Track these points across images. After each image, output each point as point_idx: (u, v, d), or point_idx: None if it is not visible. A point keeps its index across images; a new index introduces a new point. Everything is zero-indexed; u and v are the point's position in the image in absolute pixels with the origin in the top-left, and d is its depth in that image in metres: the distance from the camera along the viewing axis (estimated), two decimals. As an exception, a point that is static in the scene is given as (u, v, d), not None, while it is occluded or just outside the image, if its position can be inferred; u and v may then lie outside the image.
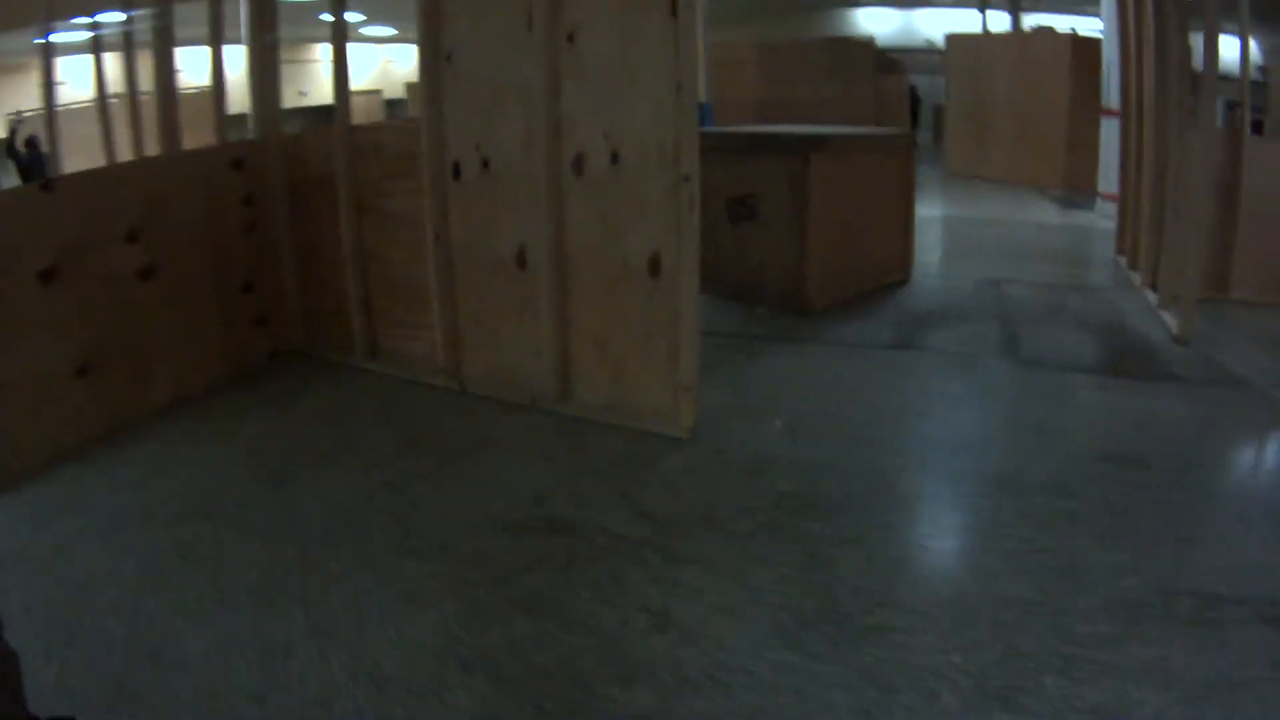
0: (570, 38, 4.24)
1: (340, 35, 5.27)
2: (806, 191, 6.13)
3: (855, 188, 6.65)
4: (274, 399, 5.01)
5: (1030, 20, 20.77)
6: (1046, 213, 11.89)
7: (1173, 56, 6.41)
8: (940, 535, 3.50)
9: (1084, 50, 13.72)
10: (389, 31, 24.64)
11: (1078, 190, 13.24)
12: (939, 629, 2.75)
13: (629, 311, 4.29)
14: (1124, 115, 8.59)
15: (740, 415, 4.56)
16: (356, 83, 26.24)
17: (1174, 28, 6.37)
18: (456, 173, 4.75)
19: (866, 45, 18.51)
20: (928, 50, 22.48)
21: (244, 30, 5.50)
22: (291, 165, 5.60)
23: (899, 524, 3.54)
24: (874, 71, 17.66)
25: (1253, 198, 6.78)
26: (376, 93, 25.32)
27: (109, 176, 4.86)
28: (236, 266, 5.44)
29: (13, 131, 11.57)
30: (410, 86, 25.18)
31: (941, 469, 4.02)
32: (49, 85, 5.04)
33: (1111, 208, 11.27)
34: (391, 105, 25.77)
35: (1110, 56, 11.55)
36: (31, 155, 11.77)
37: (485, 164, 4.63)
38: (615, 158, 4.19)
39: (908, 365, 5.39)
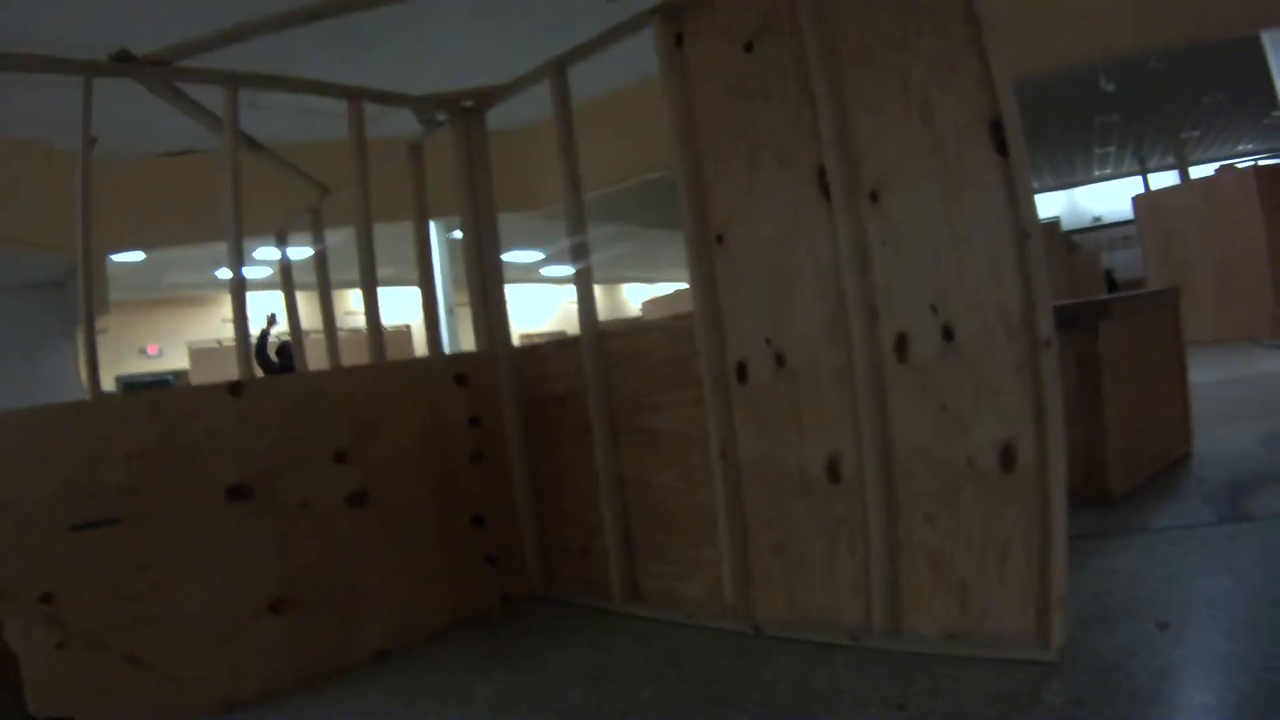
0: (874, 196, 3.63)
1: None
2: (1098, 366, 5.38)
3: (1138, 355, 5.90)
4: (515, 652, 4.29)
5: (1198, 172, 20.15)
6: (1278, 361, 10.97)
7: None
8: None
9: (1270, 180, 13.01)
10: (570, 271, 25.25)
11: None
12: None
13: (975, 520, 3.50)
14: None
15: (1103, 623, 3.66)
16: (540, 325, 27.00)
17: None
18: (742, 375, 4.12)
19: (1052, 228, 18.08)
20: (1097, 227, 22.06)
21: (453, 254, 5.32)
22: (525, 382, 5.14)
23: None
24: (1064, 254, 17.16)
25: None
26: (561, 333, 25.74)
27: (310, 386, 4.48)
28: (463, 497, 4.91)
29: (264, 334, 10.64)
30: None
31: None
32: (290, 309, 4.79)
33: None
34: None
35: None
36: (284, 365, 11.05)
37: (779, 360, 3.99)
38: (948, 333, 3.49)
39: (1246, 540, 4.50)
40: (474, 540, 4.95)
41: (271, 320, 10.34)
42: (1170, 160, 20.09)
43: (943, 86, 3.45)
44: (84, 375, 4.24)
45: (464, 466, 4.94)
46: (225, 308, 19.93)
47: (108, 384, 22.33)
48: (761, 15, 3.97)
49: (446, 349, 14.43)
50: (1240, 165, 14.28)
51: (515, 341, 5.60)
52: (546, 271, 24.23)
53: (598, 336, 4.73)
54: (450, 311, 14.73)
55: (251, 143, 5.18)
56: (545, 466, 5.08)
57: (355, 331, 20.15)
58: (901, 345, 3.62)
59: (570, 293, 27.38)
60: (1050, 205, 24.56)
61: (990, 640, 3.51)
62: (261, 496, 4.00)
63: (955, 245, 3.45)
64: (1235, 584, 3.93)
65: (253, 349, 9.84)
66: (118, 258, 14.58)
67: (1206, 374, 10.72)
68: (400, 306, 20.43)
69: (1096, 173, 23.73)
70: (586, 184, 4.98)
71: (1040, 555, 3.36)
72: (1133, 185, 21.57)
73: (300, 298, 7.48)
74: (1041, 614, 3.39)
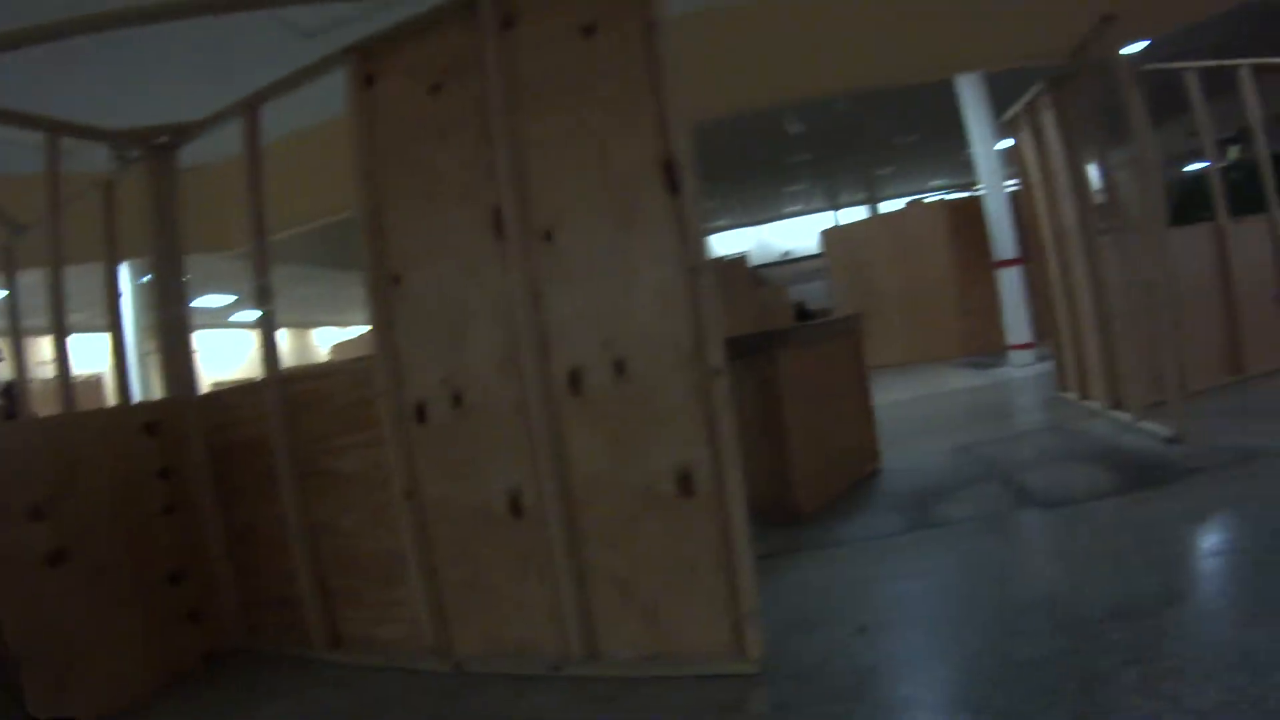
0: (548, 235, 3.72)
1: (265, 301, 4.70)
2: (779, 391, 5.66)
3: (821, 380, 6.25)
4: (222, 711, 4.09)
5: (887, 207, 21.41)
6: (966, 378, 11.89)
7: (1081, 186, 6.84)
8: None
9: (959, 213, 14.04)
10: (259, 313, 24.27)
11: (981, 353, 13.33)
12: None
13: (659, 544, 3.60)
14: (1031, 259, 8.90)
15: (798, 630, 3.86)
16: (232, 371, 25.72)
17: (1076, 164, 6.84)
18: (421, 415, 4.09)
19: (739, 263, 18.70)
20: (786, 261, 23.03)
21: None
22: (214, 429, 4.90)
23: (1055, 685, 2.91)
24: (752, 287, 17.75)
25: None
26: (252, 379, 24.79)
27: (9, 439, 4.15)
28: (159, 552, 4.63)
29: None
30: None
31: (1037, 618, 3.49)
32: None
33: (1026, 356, 11.37)
34: None
35: (998, 210, 11.83)
36: (6, 407, 9.89)
37: (457, 399, 3.98)
38: (620, 367, 3.60)
39: (942, 541, 4.83)
40: (173, 596, 4.66)
41: None
42: (861, 196, 21.27)
43: (620, 129, 3.58)
44: None
45: (158, 519, 4.65)
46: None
47: None
48: (449, 58, 4.01)
49: (138, 397, 13.57)
50: (928, 199, 15.37)
51: (206, 388, 5.39)
52: (238, 317, 23.37)
53: (282, 380, 4.60)
54: (142, 359, 14.00)
55: None
56: (239, 515, 4.87)
57: (49, 381, 18.78)
58: (575, 379, 3.70)
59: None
60: (740, 241, 25.62)
61: (688, 658, 3.62)
62: None
63: (626, 281, 3.57)
64: (925, 585, 4.22)
65: None
66: None
67: (900, 393, 11.47)
68: (95, 354, 19.24)
69: (788, 209, 24.87)
70: (277, 224, 4.87)
71: (727, 572, 3.50)
72: (824, 220, 22.76)
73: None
74: (736, 628, 3.52)
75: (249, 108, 4.65)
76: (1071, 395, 8.16)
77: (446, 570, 4.13)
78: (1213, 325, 7.50)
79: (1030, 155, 8.21)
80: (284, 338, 27.72)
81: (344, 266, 15.75)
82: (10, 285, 6.22)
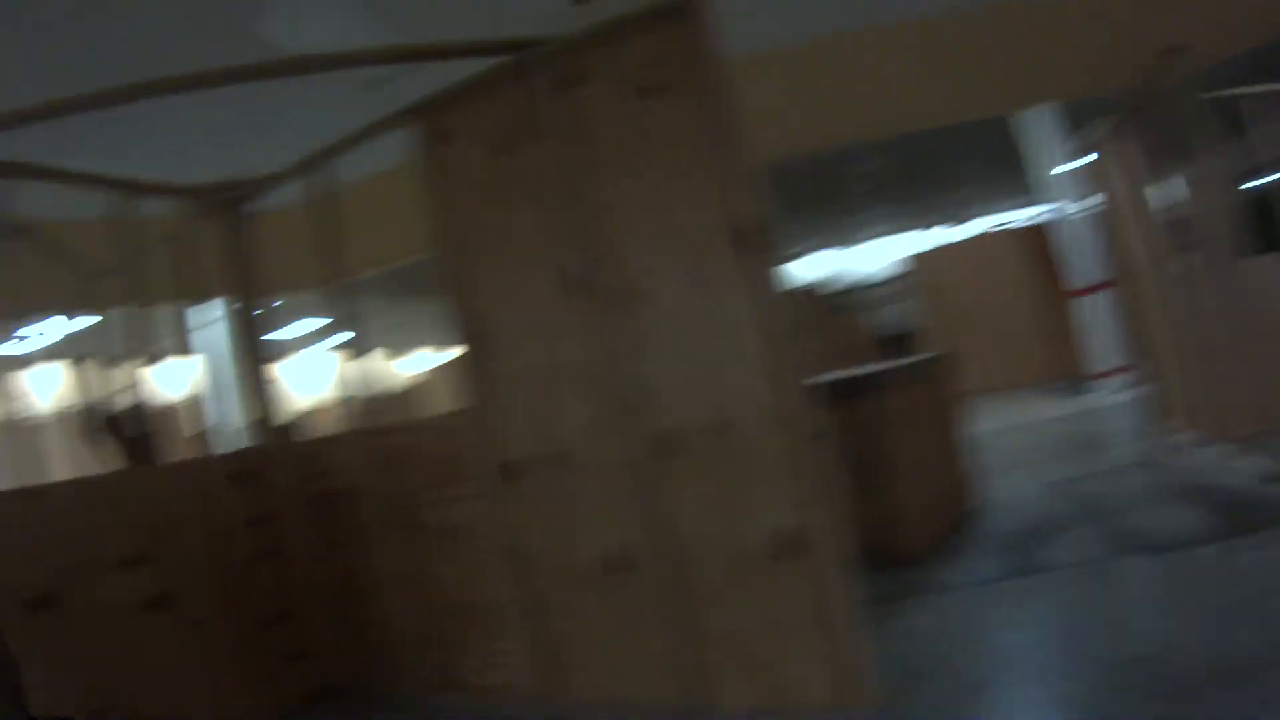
0: (629, 297, 3.80)
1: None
2: (882, 435, 5.67)
3: (920, 420, 6.24)
4: None
5: (962, 231, 21.23)
6: (1052, 407, 11.65)
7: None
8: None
9: (1032, 240, 13.95)
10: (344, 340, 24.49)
11: (1062, 379, 13.15)
12: None
13: (765, 603, 3.64)
14: (1116, 283, 8.64)
15: (909, 683, 3.80)
16: (321, 392, 25.98)
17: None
18: (517, 472, 4.18)
19: (808, 294, 18.62)
20: (862, 286, 22.87)
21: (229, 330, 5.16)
22: (306, 478, 5.02)
23: None
24: (830, 316, 17.69)
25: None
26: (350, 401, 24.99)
27: (99, 490, 4.30)
28: (258, 596, 4.81)
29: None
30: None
31: (1142, 677, 3.39)
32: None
33: (1112, 384, 11.17)
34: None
35: (1073, 236, 11.71)
36: (137, 434, 9.42)
37: (553, 457, 4.07)
38: (715, 429, 3.66)
39: (1044, 589, 4.73)
40: (273, 638, 4.81)
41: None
42: (935, 220, 21.16)
43: (688, 192, 3.65)
44: None
45: (255, 565, 4.81)
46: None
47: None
48: (513, 121, 4.11)
49: (219, 424, 13.71)
50: (1008, 226, 15.28)
51: (294, 412, 5.52)
52: (325, 341, 23.67)
53: (371, 434, 4.71)
54: (223, 389, 14.31)
55: (14, 230, 4.93)
56: (338, 560, 4.97)
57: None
58: (670, 441, 3.76)
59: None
60: (815, 266, 25.49)
61: (797, 712, 3.63)
62: (64, 606, 3.86)
63: (711, 345, 3.63)
64: (1028, 637, 4.17)
65: (96, 420, 9.01)
66: None
67: (990, 422, 11.30)
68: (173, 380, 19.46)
69: (862, 234, 24.74)
70: (354, 267, 4.98)
71: (833, 631, 3.52)
72: (898, 244, 22.56)
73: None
74: (843, 685, 3.54)
75: (315, 165, 4.77)
76: (1163, 427, 7.96)
77: (550, 622, 4.20)
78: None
79: (1115, 179, 8.09)
80: (372, 363, 27.97)
81: (405, 295, 15.97)
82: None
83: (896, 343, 20.78)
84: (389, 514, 4.67)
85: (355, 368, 4.94)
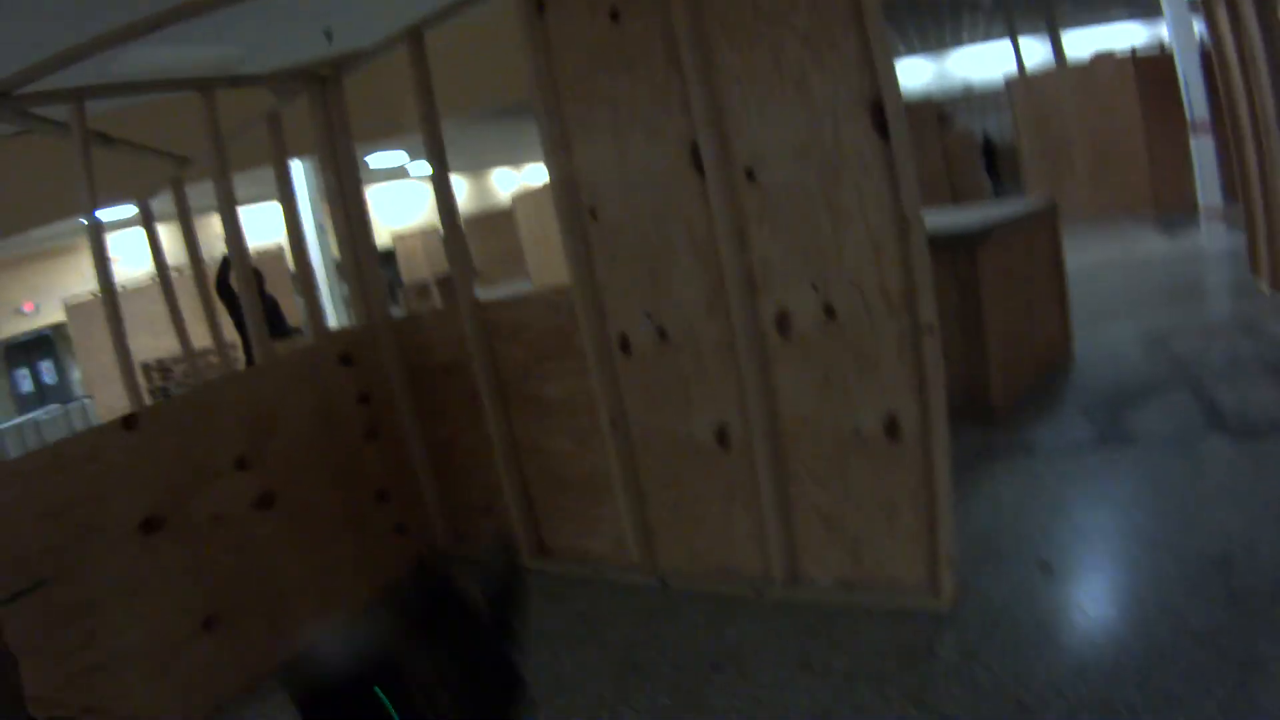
0: (750, 173, 3.63)
1: (449, 205, 4.76)
2: (979, 289, 5.57)
3: (1018, 273, 6.10)
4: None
5: (1069, 38, 20.17)
6: (1156, 243, 11.28)
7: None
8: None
9: (1147, 69, 13.34)
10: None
11: (1170, 210, 12.75)
12: None
13: (864, 484, 3.67)
14: (1227, 125, 8.17)
15: (989, 563, 3.92)
16: (411, 222, 26.23)
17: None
18: (625, 347, 4.17)
19: (926, 104, 17.88)
20: (967, 95, 21.99)
21: (322, 191, 5.13)
22: (410, 352, 5.09)
23: (1215, 667, 2.90)
24: (937, 128, 17.06)
25: None
26: (434, 230, 25.18)
27: (201, 401, 4.33)
28: (365, 475, 4.93)
29: (225, 262, 9.05)
30: (468, 220, 25.03)
31: (1211, 579, 3.46)
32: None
33: (1219, 224, 10.79)
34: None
35: (1189, 67, 11.15)
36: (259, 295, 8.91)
37: (661, 333, 4.04)
38: (830, 311, 3.57)
39: (1130, 463, 4.73)
40: (380, 514, 4.99)
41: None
42: (1041, 25, 20.03)
43: (819, 64, 3.41)
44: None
45: (361, 445, 4.95)
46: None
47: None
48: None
49: (321, 267, 13.68)
50: (1117, 53, 14.45)
51: (388, 239, 5.51)
52: (414, 168, 23.56)
53: (477, 308, 4.70)
54: (321, 229, 14.39)
55: (104, 138, 4.89)
56: (440, 433, 5.10)
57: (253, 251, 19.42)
58: (783, 320, 3.70)
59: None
60: (918, 73, 24.45)
61: (885, 590, 3.74)
62: (174, 522, 3.89)
63: (834, 225, 3.49)
64: (1115, 520, 4.18)
65: (214, 280, 8.78)
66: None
67: (1085, 256, 11.00)
68: (264, 224, 19.65)
69: (966, 36, 23.58)
70: (447, 112, 4.85)
71: (928, 516, 3.56)
72: (1002, 49, 21.47)
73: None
74: (931, 567, 3.61)
75: (414, 36, 4.57)
76: (1263, 284, 7.65)
77: (652, 492, 4.29)
78: None
79: (1222, 15, 7.52)
80: (461, 186, 27.91)
81: (515, 114, 15.64)
82: (185, 214, 6.29)
83: (999, 157, 20.13)
84: (496, 387, 4.73)
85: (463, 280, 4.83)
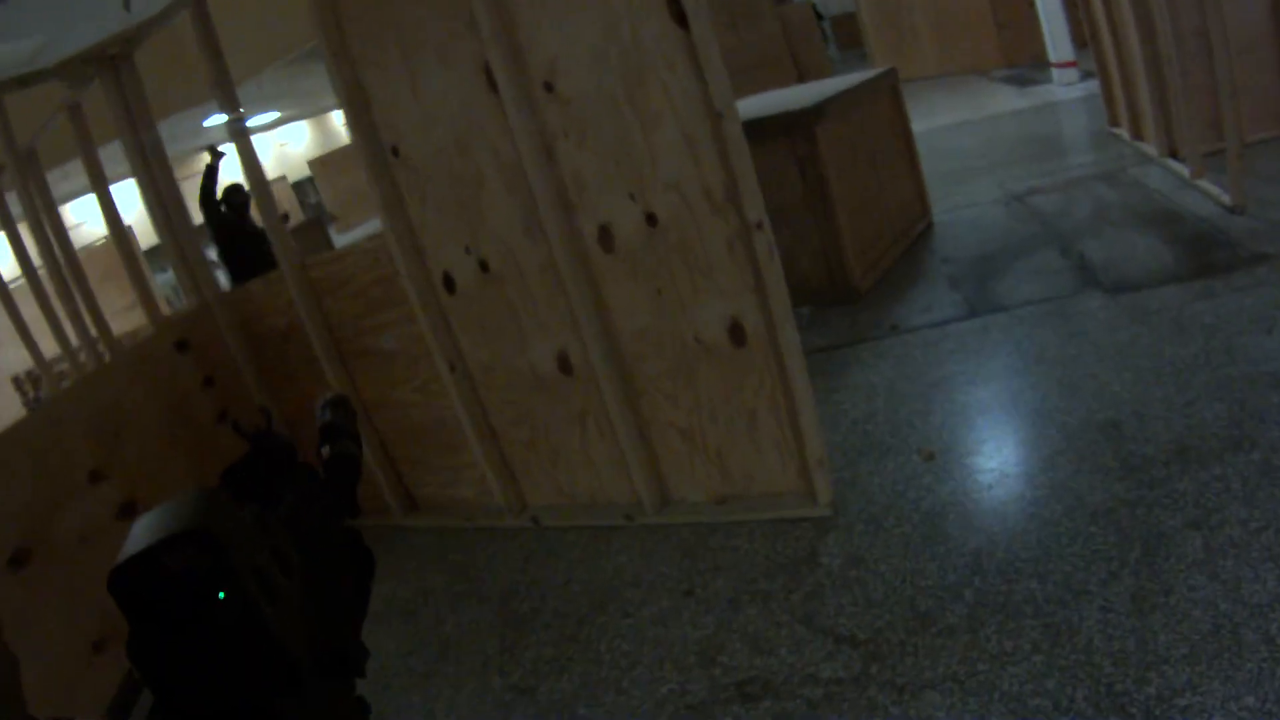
0: (548, 86, 3.37)
1: (254, 166, 4.46)
2: (821, 168, 5.38)
3: (863, 147, 5.95)
4: None
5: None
6: (1009, 98, 11.32)
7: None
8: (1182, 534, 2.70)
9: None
10: (273, 115, 23.45)
11: (1020, 65, 12.76)
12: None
13: (717, 394, 3.52)
14: None
15: (869, 456, 3.82)
16: (329, 148, 25.32)
17: None
18: (449, 285, 3.94)
19: None
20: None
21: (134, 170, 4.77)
22: (246, 323, 4.80)
23: (1117, 549, 2.83)
24: (775, 6, 16.65)
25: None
26: (281, 179, 24.36)
27: (42, 423, 4.08)
28: (223, 458, 4.62)
29: (210, 172, 7.69)
30: (314, 164, 24.33)
31: (1102, 448, 3.36)
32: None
33: (1071, 74, 10.79)
34: (299, 188, 24.68)
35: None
36: (238, 214, 7.75)
37: (484, 266, 3.81)
38: (651, 219, 3.36)
39: (1004, 333, 4.61)
40: None
41: (215, 154, 7.61)
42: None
43: None
44: None
45: (213, 429, 4.66)
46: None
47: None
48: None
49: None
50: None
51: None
52: (251, 122, 22.73)
53: (300, 270, 4.43)
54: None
55: None
56: (291, 401, 4.82)
57: (85, 249, 18.59)
58: (605, 235, 3.48)
59: (281, 136, 25.92)
60: None
61: (759, 503, 3.61)
62: (41, 552, 3.65)
63: (643, 129, 3.25)
64: (995, 395, 4.08)
65: (199, 194, 7.61)
66: None
67: (941, 117, 10.96)
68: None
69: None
70: (253, 68, 4.60)
71: (790, 419, 3.41)
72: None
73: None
74: (803, 472, 3.48)
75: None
76: (1122, 133, 7.60)
77: (505, 432, 4.11)
78: (1266, 73, 6.69)
79: None
80: (305, 131, 27.02)
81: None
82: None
83: (837, 21, 19.92)
84: (329, 346, 4.47)
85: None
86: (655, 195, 3.33)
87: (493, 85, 3.44)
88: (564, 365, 3.80)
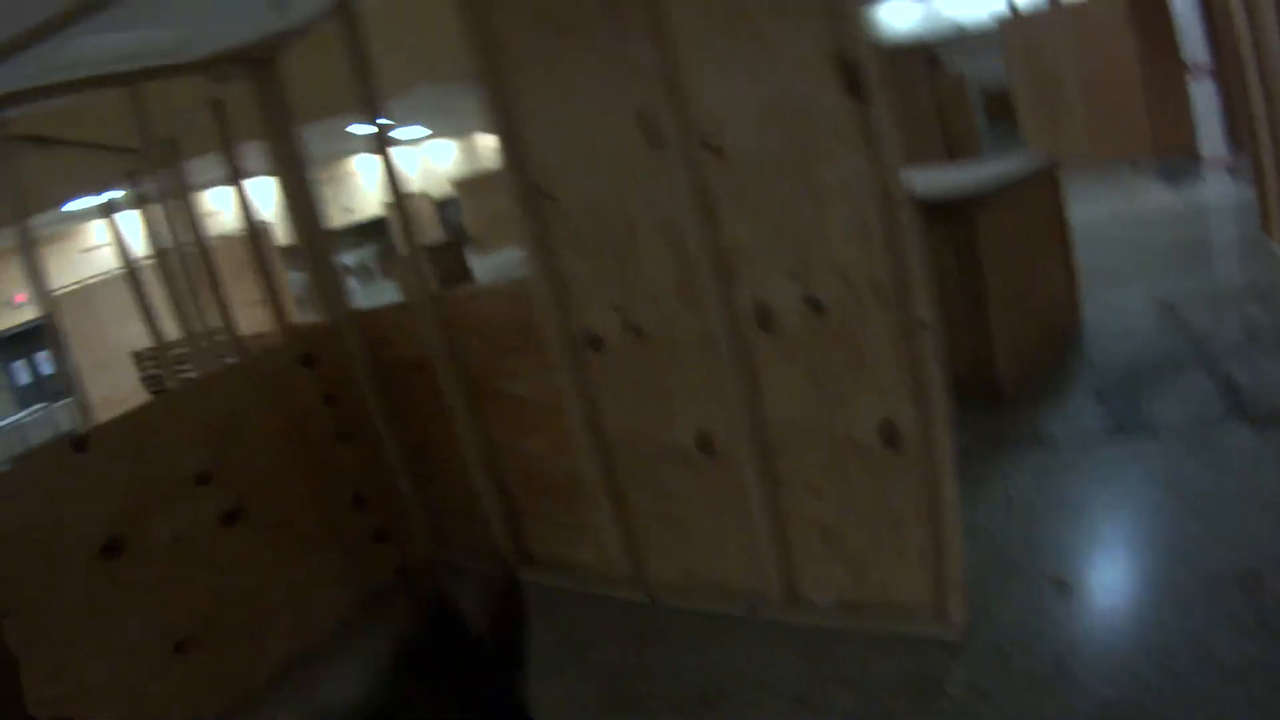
0: (712, 145, 3.20)
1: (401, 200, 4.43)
2: (978, 259, 5.14)
3: (1021, 239, 5.68)
4: None
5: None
6: (1158, 193, 10.84)
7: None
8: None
9: (1142, 8, 12.84)
10: (423, 132, 23.84)
11: (1171, 156, 12.31)
12: None
13: (865, 495, 3.30)
14: (1229, 69, 7.72)
15: (1001, 576, 3.57)
16: (476, 168, 25.87)
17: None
18: (595, 343, 3.80)
19: (915, 48, 17.26)
20: (960, 36, 21.40)
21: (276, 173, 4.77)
22: (374, 347, 4.75)
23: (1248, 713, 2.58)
24: (929, 74, 16.41)
25: None
26: (424, 195, 24.70)
27: (154, 414, 4.08)
28: (338, 481, 4.63)
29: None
30: (458, 184, 24.62)
31: (1239, 601, 3.09)
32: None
33: (1224, 174, 10.36)
34: (441, 205, 25.04)
35: (1183, 8, 10.75)
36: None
37: (634, 329, 3.66)
38: (813, 303, 3.18)
39: (1145, 459, 4.31)
40: (358, 521, 4.70)
41: None
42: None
43: (781, 12, 2.95)
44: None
45: (331, 449, 4.66)
46: (82, 238, 18.72)
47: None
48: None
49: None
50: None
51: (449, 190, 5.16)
52: (398, 134, 23.08)
53: (436, 302, 4.36)
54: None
55: (40, 141, 4.51)
56: (414, 434, 4.78)
57: (220, 237, 19.09)
58: (763, 313, 3.30)
59: (426, 151, 26.30)
60: (907, 14, 23.71)
61: (889, 613, 3.39)
62: (135, 545, 3.69)
63: (813, 205, 3.06)
64: (1133, 526, 3.83)
65: None
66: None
67: (1084, 209, 10.53)
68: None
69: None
70: (403, 84, 4.55)
71: (934, 533, 3.20)
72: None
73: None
74: (939, 589, 3.27)
75: (343, 12, 4.15)
76: (1276, 246, 7.20)
77: (635, 500, 3.96)
78: None
79: None
80: (452, 150, 27.46)
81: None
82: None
83: (994, 99, 19.52)
84: (462, 385, 4.39)
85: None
86: (819, 278, 3.15)
87: (653, 138, 3.32)
88: (706, 444, 3.64)
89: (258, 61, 4.69)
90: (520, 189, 3.75)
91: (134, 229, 6.70)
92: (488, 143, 31.06)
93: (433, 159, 26.33)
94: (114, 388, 14.86)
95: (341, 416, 4.70)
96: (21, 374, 22.94)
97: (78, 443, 3.68)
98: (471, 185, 24.22)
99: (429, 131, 24.08)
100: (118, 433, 3.87)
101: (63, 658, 3.42)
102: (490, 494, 4.47)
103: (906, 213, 2.92)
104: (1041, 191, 6.16)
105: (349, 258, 25.29)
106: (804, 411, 3.34)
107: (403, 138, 23.50)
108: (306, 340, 4.71)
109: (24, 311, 21.77)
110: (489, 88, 3.70)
